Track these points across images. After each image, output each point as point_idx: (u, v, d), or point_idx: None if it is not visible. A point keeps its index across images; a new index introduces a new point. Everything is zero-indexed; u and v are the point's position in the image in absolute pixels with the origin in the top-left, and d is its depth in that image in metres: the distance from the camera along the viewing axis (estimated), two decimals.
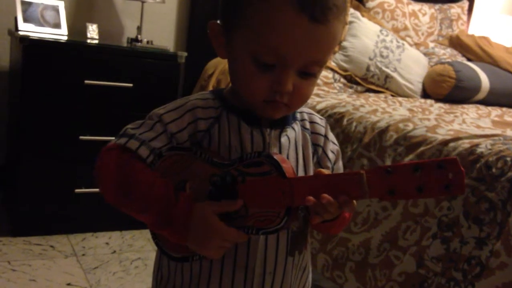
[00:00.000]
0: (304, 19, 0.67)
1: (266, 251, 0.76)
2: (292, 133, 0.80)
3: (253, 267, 0.76)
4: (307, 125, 0.84)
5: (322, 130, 0.85)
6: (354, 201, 0.70)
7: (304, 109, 0.85)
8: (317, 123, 0.85)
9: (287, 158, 0.78)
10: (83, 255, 1.99)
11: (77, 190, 2.12)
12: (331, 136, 0.86)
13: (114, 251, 2.06)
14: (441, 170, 0.60)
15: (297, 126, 0.82)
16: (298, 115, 0.83)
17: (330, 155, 0.84)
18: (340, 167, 0.87)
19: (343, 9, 0.70)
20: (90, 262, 1.94)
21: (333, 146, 0.86)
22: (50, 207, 2.11)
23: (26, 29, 2.11)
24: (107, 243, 2.12)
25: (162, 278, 0.82)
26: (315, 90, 2.28)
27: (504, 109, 2.43)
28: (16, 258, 1.89)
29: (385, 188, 0.63)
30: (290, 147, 0.79)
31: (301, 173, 0.80)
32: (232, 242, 0.71)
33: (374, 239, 1.47)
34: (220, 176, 0.71)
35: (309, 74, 0.72)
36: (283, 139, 0.78)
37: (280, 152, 0.77)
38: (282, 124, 0.79)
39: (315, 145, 0.83)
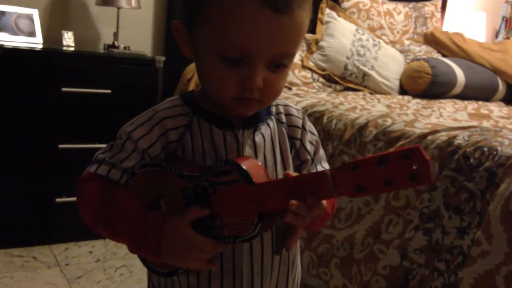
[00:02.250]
0: (267, 10, 0.65)
1: (252, 252, 0.75)
2: (267, 130, 0.78)
3: (241, 270, 0.75)
4: (283, 118, 0.81)
5: (299, 122, 0.82)
6: (324, 202, 0.69)
7: (279, 101, 0.83)
8: (294, 115, 0.82)
9: (264, 157, 0.76)
10: (67, 265, 1.96)
11: (57, 200, 2.09)
12: (308, 126, 0.83)
13: (98, 260, 2.03)
14: (405, 161, 0.58)
15: (272, 121, 0.79)
16: (273, 109, 0.81)
17: (309, 146, 0.82)
18: (321, 157, 0.85)
19: None
20: (74, 271, 1.91)
21: (311, 137, 0.83)
22: (30, 217, 2.07)
23: (0, 38, 2.08)
24: (90, 252, 2.09)
25: None
26: (295, 90, 2.29)
27: (480, 102, 2.48)
28: None
29: (353, 185, 0.61)
30: (266, 145, 0.77)
31: (280, 170, 0.78)
32: (210, 252, 0.69)
33: (358, 234, 1.49)
34: (192, 188, 0.70)
35: (278, 66, 0.71)
36: (258, 138, 0.76)
37: (255, 152, 0.76)
38: (255, 122, 0.77)
39: (292, 138, 0.81)
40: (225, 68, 0.68)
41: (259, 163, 0.72)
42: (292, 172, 0.71)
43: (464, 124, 1.51)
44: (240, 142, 0.75)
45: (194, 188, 0.70)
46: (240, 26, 0.66)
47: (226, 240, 0.69)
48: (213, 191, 0.69)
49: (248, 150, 0.75)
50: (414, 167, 0.58)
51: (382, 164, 0.59)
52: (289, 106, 0.84)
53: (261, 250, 0.76)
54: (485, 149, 1.27)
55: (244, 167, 0.67)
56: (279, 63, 0.70)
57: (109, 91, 2.13)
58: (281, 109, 0.82)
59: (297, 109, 0.84)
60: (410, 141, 1.44)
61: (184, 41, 0.75)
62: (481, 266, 1.16)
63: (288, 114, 0.82)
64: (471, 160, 1.27)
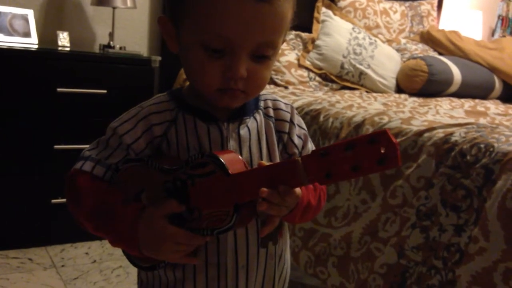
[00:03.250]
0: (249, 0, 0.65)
1: (236, 244, 0.76)
2: (254, 124, 0.78)
3: (225, 262, 0.75)
4: (271, 112, 0.81)
5: (287, 116, 0.82)
6: (297, 190, 0.69)
7: (268, 96, 0.83)
8: (282, 109, 0.82)
9: (249, 150, 0.77)
10: (63, 266, 1.95)
11: (53, 201, 2.08)
12: (297, 120, 0.84)
13: (94, 261, 2.02)
14: (373, 145, 0.58)
15: (259, 115, 0.80)
16: (261, 103, 0.81)
17: (297, 140, 0.82)
18: (309, 151, 0.84)
19: None
20: (70, 273, 1.90)
21: (299, 131, 0.83)
22: (26, 219, 2.06)
23: None
24: (86, 253, 2.08)
25: (142, 283, 0.82)
26: (291, 89, 2.29)
27: (477, 100, 2.48)
28: None
29: (322, 171, 0.62)
30: (251, 139, 0.77)
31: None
32: (187, 244, 0.70)
33: (355, 233, 1.48)
34: (171, 182, 0.71)
35: (262, 57, 0.71)
36: (243, 131, 0.76)
37: (239, 145, 0.76)
38: (241, 115, 0.77)
39: (280, 132, 0.81)
40: (208, 59, 0.69)
41: (239, 157, 0.72)
42: (264, 162, 0.71)
43: (460, 121, 1.50)
44: (225, 136, 0.75)
45: (173, 181, 0.70)
46: (222, 16, 0.66)
47: (204, 232, 0.69)
48: (191, 183, 0.69)
49: (232, 144, 0.75)
50: (382, 151, 0.57)
51: (349, 150, 0.59)
52: (277, 100, 0.84)
53: (246, 242, 0.76)
54: (482, 146, 1.26)
55: (220, 158, 0.67)
56: (263, 54, 0.71)
57: (105, 91, 2.12)
58: (270, 103, 0.82)
59: (285, 103, 0.84)
60: (407, 138, 1.44)
61: (170, 35, 0.76)
62: (478, 263, 1.15)
63: (276, 109, 0.82)
64: (468, 157, 1.26)
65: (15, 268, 1.90)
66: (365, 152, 0.58)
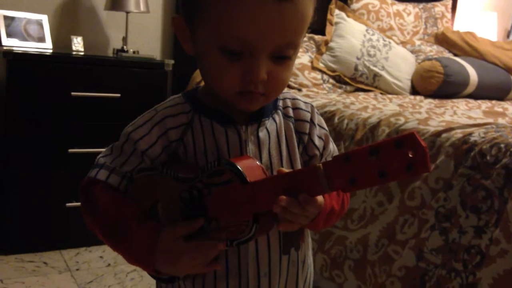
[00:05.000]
0: None
1: (258, 252, 0.73)
2: (273, 125, 0.75)
3: (247, 270, 0.72)
4: (290, 112, 0.78)
5: (307, 116, 0.78)
6: (319, 198, 0.66)
7: (287, 95, 0.80)
8: (301, 109, 0.79)
9: (269, 153, 0.74)
10: (77, 270, 1.95)
11: (68, 204, 2.08)
12: (317, 119, 0.80)
13: (109, 264, 2.02)
14: (399, 150, 0.53)
15: (278, 116, 0.76)
16: (280, 103, 0.78)
17: (317, 141, 0.79)
18: (331, 152, 0.82)
19: None
20: (85, 276, 1.90)
21: (320, 131, 0.80)
22: (41, 222, 2.07)
23: (10, 44, 2.09)
24: (101, 257, 2.08)
25: None
26: (305, 91, 2.27)
27: (494, 101, 2.44)
28: (9, 276, 1.85)
29: (346, 178, 0.57)
30: (271, 141, 0.74)
31: (286, 167, 0.75)
32: (204, 256, 0.67)
33: (372, 235, 1.46)
34: (187, 191, 0.68)
35: (283, 58, 0.67)
36: (262, 134, 0.73)
37: (259, 148, 0.73)
38: (260, 117, 0.74)
39: (300, 133, 0.78)
40: (227, 62, 0.66)
41: (257, 163, 0.68)
42: (284, 169, 0.67)
43: (479, 121, 1.48)
44: (243, 139, 0.72)
45: (189, 190, 0.68)
46: (241, 18, 0.63)
47: (225, 243, 0.66)
48: (208, 193, 0.67)
49: (251, 147, 0.73)
50: (409, 155, 0.53)
51: (374, 154, 0.55)
52: (297, 99, 0.80)
53: (268, 250, 0.73)
54: (502, 145, 1.24)
55: (238, 165, 0.64)
56: (283, 55, 0.67)
57: (118, 95, 2.13)
58: (289, 102, 0.79)
59: (305, 102, 0.80)
60: (424, 139, 1.41)
61: (184, 36, 0.73)
62: (500, 265, 1.12)
63: (296, 108, 0.79)
64: (488, 157, 1.24)
65: (30, 271, 1.90)
66: (391, 157, 0.54)
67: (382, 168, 0.54)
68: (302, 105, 0.79)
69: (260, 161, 0.72)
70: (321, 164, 0.60)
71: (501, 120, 1.56)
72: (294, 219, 0.65)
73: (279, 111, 0.77)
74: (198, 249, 0.67)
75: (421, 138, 1.43)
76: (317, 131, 0.79)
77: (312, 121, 0.79)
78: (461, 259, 1.21)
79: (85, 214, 0.76)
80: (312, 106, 0.81)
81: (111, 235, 0.72)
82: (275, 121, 0.76)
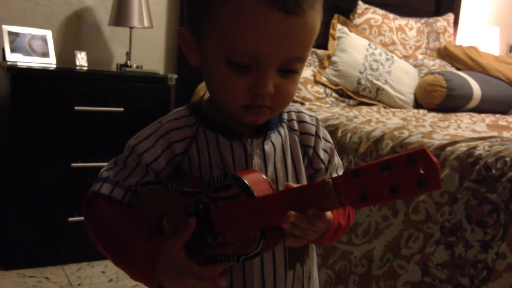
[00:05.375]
0: (277, 12, 0.61)
1: (263, 267, 0.72)
2: (278, 138, 0.75)
3: (252, 286, 0.71)
4: (295, 125, 0.78)
5: (312, 129, 0.78)
6: (328, 214, 0.65)
7: (292, 108, 0.79)
8: (307, 122, 0.78)
9: (274, 167, 0.73)
10: (79, 285, 1.93)
11: (70, 219, 2.07)
12: (322, 133, 0.80)
13: (111, 280, 2.00)
14: (411, 165, 0.53)
15: (283, 129, 0.76)
16: (285, 116, 0.78)
17: (322, 155, 0.78)
18: (336, 166, 0.81)
19: None
20: None
21: (325, 144, 0.79)
22: (43, 237, 2.06)
23: (14, 59, 2.10)
24: (103, 272, 2.06)
25: None
26: (308, 105, 2.27)
27: (498, 115, 2.43)
28: None
29: (356, 193, 0.57)
30: (276, 155, 0.74)
31: (292, 181, 0.74)
32: (209, 280, 0.66)
33: (377, 250, 1.44)
34: (193, 205, 0.67)
35: (290, 71, 0.67)
36: (267, 147, 0.73)
37: (264, 162, 0.72)
38: (265, 130, 0.73)
39: (305, 146, 0.77)
40: (234, 75, 0.65)
41: (263, 177, 0.68)
42: (292, 184, 0.67)
43: (483, 134, 1.47)
44: (249, 152, 0.72)
45: (195, 205, 0.67)
46: (249, 32, 0.63)
47: (229, 258, 0.65)
48: (214, 207, 0.66)
49: (257, 160, 0.72)
50: (421, 171, 0.53)
51: (385, 170, 0.54)
52: (302, 112, 0.80)
53: (273, 265, 0.72)
54: (507, 159, 1.23)
55: (245, 180, 0.63)
56: (291, 68, 0.67)
57: (121, 109, 2.13)
58: (294, 115, 0.79)
59: (310, 116, 0.80)
60: None
61: (189, 48, 0.72)
62: (507, 280, 1.11)
63: (301, 121, 0.78)
64: (493, 171, 1.23)
65: (32, 287, 1.88)
66: (402, 173, 0.53)
67: (393, 184, 0.54)
68: (307, 118, 0.79)
69: (266, 174, 0.71)
70: (330, 179, 0.59)
71: (505, 134, 1.55)
72: (302, 235, 0.64)
73: (284, 124, 0.77)
74: (207, 271, 0.65)
75: None
76: (322, 144, 0.79)
77: (317, 135, 0.78)
78: (467, 274, 1.19)
79: (88, 228, 0.75)
80: (317, 119, 0.80)
81: (115, 250, 0.72)
82: (280, 134, 0.75)
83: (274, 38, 0.63)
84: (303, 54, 0.68)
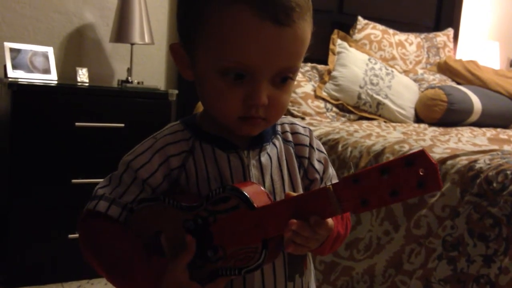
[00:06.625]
0: (268, 24, 0.62)
1: (263, 279, 0.71)
2: (274, 150, 0.75)
3: None
4: (289, 137, 0.78)
5: (306, 140, 0.79)
6: (330, 221, 0.65)
7: (285, 119, 0.80)
8: (300, 133, 0.79)
9: (271, 178, 0.73)
10: None
11: (70, 236, 2.06)
12: (316, 144, 0.80)
13: None
14: (410, 168, 0.53)
15: (278, 140, 0.76)
16: (279, 128, 0.78)
17: (317, 165, 0.79)
18: (330, 176, 0.81)
19: (307, 9, 0.66)
20: None
21: (319, 155, 0.80)
22: (43, 254, 2.04)
23: (15, 76, 2.11)
24: None
25: None
26: (308, 120, 2.27)
27: (499, 129, 2.43)
28: None
29: (357, 198, 0.57)
30: (272, 166, 0.74)
31: (288, 191, 0.74)
32: None
33: (379, 266, 1.42)
34: (192, 220, 0.67)
35: (282, 81, 0.68)
36: (264, 159, 0.73)
37: (262, 173, 0.72)
38: (260, 142, 0.74)
39: (300, 157, 0.78)
40: (227, 87, 0.66)
41: (261, 188, 0.68)
42: (292, 192, 0.67)
43: (484, 148, 1.46)
44: (246, 164, 0.72)
45: (194, 219, 0.66)
46: (242, 43, 0.63)
47: (231, 272, 0.64)
48: (213, 220, 0.65)
49: (254, 172, 0.72)
50: (420, 173, 0.53)
51: (385, 174, 0.55)
52: (295, 124, 0.81)
53: (274, 277, 0.72)
54: (508, 172, 1.22)
55: (243, 191, 0.63)
56: (283, 80, 0.68)
57: (122, 125, 2.13)
58: (287, 127, 0.79)
59: (303, 127, 0.81)
60: None
61: (183, 63, 0.73)
62: None
63: (294, 133, 0.79)
64: (494, 184, 1.22)
65: None
66: (402, 176, 0.54)
67: (394, 187, 0.55)
68: (301, 130, 0.80)
69: (264, 186, 0.71)
70: (330, 186, 0.59)
71: (506, 147, 1.55)
72: (305, 243, 0.64)
73: (278, 136, 0.77)
74: None
75: None
76: (316, 155, 0.79)
77: (311, 145, 0.79)
78: None
79: (83, 248, 0.74)
80: (310, 130, 0.81)
81: (113, 272, 0.71)
82: (275, 145, 0.76)
83: (266, 50, 0.64)
84: (295, 65, 0.68)
